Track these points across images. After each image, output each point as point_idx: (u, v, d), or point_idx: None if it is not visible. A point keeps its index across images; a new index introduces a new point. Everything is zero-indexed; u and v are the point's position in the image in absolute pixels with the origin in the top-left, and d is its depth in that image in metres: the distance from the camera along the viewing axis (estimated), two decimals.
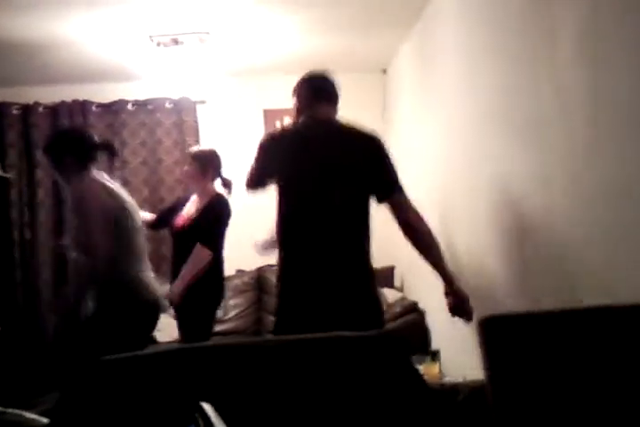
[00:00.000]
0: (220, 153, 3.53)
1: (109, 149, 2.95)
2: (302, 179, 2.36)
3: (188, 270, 3.21)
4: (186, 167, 3.56)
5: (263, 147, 2.45)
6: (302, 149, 2.39)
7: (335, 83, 2.58)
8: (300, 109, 2.52)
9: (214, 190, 3.42)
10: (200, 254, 3.22)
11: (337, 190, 2.33)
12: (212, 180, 3.43)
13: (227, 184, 3.48)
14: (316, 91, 2.52)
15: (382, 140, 2.49)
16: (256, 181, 2.48)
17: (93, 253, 2.53)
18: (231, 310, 4.68)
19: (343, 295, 2.27)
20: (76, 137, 2.83)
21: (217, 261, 3.35)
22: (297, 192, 2.38)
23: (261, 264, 4.82)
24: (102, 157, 2.92)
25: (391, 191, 2.40)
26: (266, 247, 2.92)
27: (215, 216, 3.33)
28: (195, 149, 3.67)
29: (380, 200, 2.42)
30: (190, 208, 3.45)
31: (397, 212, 2.40)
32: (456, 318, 2.43)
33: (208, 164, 3.42)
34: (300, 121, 2.52)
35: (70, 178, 2.75)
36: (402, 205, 2.39)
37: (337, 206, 2.33)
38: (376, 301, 2.42)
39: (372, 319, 2.30)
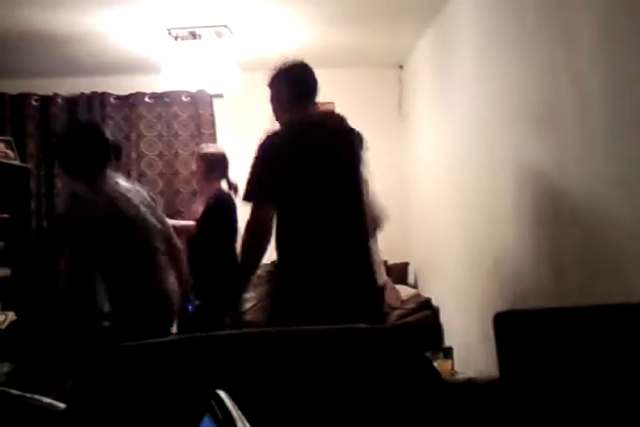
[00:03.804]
0: (227, 155, 3.56)
1: (116, 150, 2.69)
2: (319, 176, 2.28)
3: None
4: (193, 166, 3.61)
5: (267, 153, 2.30)
6: (313, 148, 2.29)
7: (314, 74, 2.41)
8: (287, 106, 2.38)
9: (216, 188, 3.46)
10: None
11: (348, 184, 2.32)
12: (218, 180, 3.47)
13: (232, 186, 3.50)
14: (303, 85, 2.38)
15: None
16: (266, 192, 2.29)
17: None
18: (244, 304, 4.71)
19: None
20: (87, 138, 2.53)
21: (232, 257, 3.37)
22: (315, 191, 2.28)
23: (275, 259, 4.84)
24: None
25: None
26: None
27: (216, 213, 3.38)
28: (203, 148, 3.66)
29: None
30: (197, 211, 3.52)
31: None
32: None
33: (214, 165, 3.46)
34: (294, 120, 2.37)
35: (77, 179, 2.51)
36: None
37: (350, 201, 2.32)
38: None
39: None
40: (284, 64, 2.43)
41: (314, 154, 2.29)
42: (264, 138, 2.34)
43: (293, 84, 2.39)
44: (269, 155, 2.30)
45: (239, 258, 2.48)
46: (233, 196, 3.46)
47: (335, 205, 2.29)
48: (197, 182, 3.67)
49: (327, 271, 2.26)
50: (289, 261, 2.33)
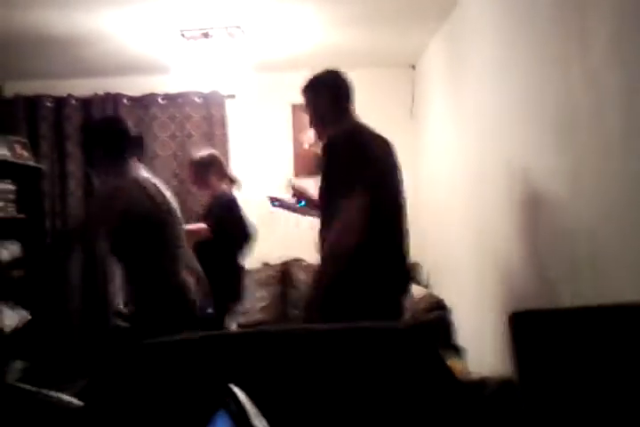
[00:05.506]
0: (217, 155, 3.58)
1: (137, 142, 2.66)
2: (390, 181, 2.50)
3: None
4: (189, 177, 3.63)
5: (352, 146, 2.28)
6: (384, 152, 2.47)
7: (347, 79, 2.50)
8: (331, 113, 2.42)
9: (216, 192, 3.47)
10: None
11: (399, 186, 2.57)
12: (218, 181, 3.48)
13: (233, 181, 3.54)
14: (345, 92, 2.46)
15: None
16: (360, 182, 2.23)
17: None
18: (255, 303, 4.72)
19: None
20: (105, 128, 2.55)
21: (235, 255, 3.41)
22: (389, 195, 2.46)
23: (287, 259, 4.86)
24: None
25: None
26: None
27: (217, 219, 3.38)
28: (194, 156, 3.65)
29: None
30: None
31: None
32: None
33: (208, 169, 3.48)
34: (351, 125, 2.42)
35: (102, 172, 2.55)
36: None
37: (402, 203, 2.56)
38: None
39: None
40: (316, 75, 2.50)
41: (381, 155, 2.43)
42: (337, 136, 2.32)
43: (338, 92, 2.46)
44: (356, 147, 2.27)
45: (326, 255, 2.24)
46: (234, 192, 3.50)
47: (397, 204, 2.51)
48: (198, 189, 3.71)
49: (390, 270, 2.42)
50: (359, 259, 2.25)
